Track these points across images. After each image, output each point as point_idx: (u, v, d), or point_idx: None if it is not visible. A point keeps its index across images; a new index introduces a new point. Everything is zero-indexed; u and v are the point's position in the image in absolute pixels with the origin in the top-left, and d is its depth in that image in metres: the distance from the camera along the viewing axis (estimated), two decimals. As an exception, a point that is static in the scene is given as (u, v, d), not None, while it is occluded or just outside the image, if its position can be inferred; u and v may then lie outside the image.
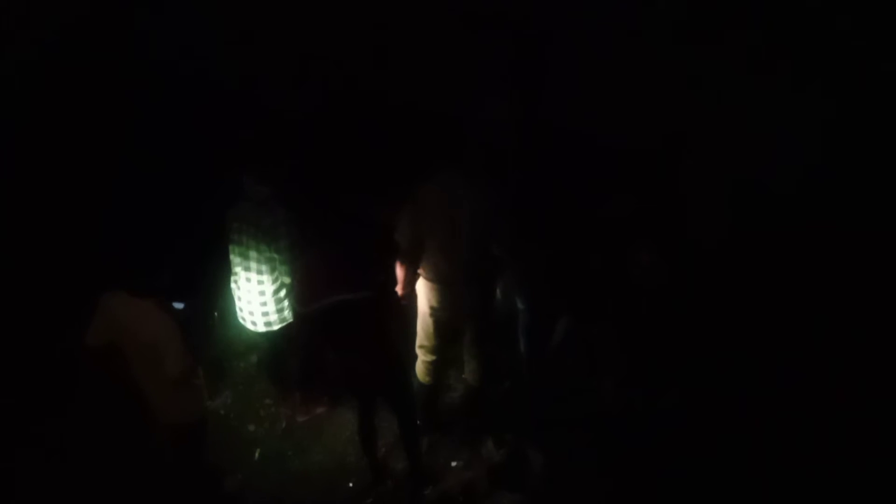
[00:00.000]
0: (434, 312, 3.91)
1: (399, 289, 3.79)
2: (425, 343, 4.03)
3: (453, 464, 4.11)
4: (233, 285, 4.01)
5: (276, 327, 4.00)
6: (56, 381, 4.46)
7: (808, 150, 4.33)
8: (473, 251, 3.79)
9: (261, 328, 4.00)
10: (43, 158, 5.58)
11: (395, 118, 5.34)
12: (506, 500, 3.90)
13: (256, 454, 4.21)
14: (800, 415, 3.83)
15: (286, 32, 5.68)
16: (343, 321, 3.42)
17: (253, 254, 3.81)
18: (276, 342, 4.15)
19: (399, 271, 3.76)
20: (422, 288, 3.89)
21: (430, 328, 3.96)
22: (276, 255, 3.77)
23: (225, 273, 4.06)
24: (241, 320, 4.07)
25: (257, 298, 3.91)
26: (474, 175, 3.72)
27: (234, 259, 3.91)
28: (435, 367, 4.09)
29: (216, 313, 3.77)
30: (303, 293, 3.60)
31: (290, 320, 4.00)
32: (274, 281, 3.87)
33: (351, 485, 4.04)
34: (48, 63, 5.92)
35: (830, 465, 3.65)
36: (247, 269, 3.87)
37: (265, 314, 3.95)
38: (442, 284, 3.83)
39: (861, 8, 4.23)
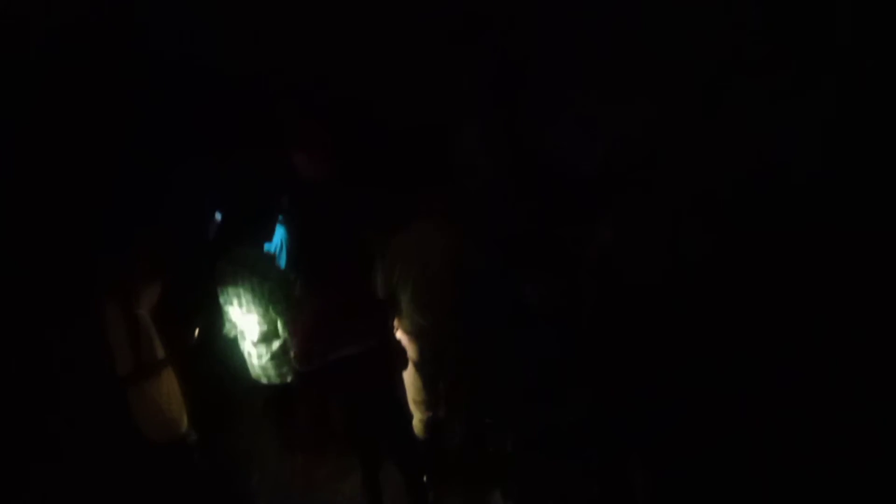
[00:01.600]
0: (420, 367, 3.73)
1: None
2: (418, 398, 3.88)
3: (460, 515, 4.08)
4: (241, 343, 3.92)
5: (289, 378, 3.90)
6: (54, 380, 4.50)
7: (808, 151, 4.24)
8: (453, 297, 3.55)
9: (275, 381, 3.92)
10: (43, 158, 5.49)
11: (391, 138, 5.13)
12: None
13: (261, 507, 4.21)
14: (800, 415, 3.80)
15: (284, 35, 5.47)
16: (347, 374, 3.32)
17: (253, 317, 3.71)
18: (280, 394, 4.08)
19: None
20: (405, 341, 3.69)
21: (420, 383, 3.81)
22: (276, 317, 3.67)
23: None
24: (255, 378, 3.98)
25: (266, 355, 3.83)
26: (452, 214, 3.53)
27: (238, 319, 3.79)
28: (433, 423, 3.97)
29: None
30: (303, 351, 3.39)
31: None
32: (279, 336, 3.77)
33: (357, 539, 4.03)
34: (48, 63, 5.79)
35: (830, 465, 3.63)
36: (252, 329, 3.76)
37: (278, 367, 3.86)
38: (422, 338, 3.64)
39: (861, 8, 4.13)
